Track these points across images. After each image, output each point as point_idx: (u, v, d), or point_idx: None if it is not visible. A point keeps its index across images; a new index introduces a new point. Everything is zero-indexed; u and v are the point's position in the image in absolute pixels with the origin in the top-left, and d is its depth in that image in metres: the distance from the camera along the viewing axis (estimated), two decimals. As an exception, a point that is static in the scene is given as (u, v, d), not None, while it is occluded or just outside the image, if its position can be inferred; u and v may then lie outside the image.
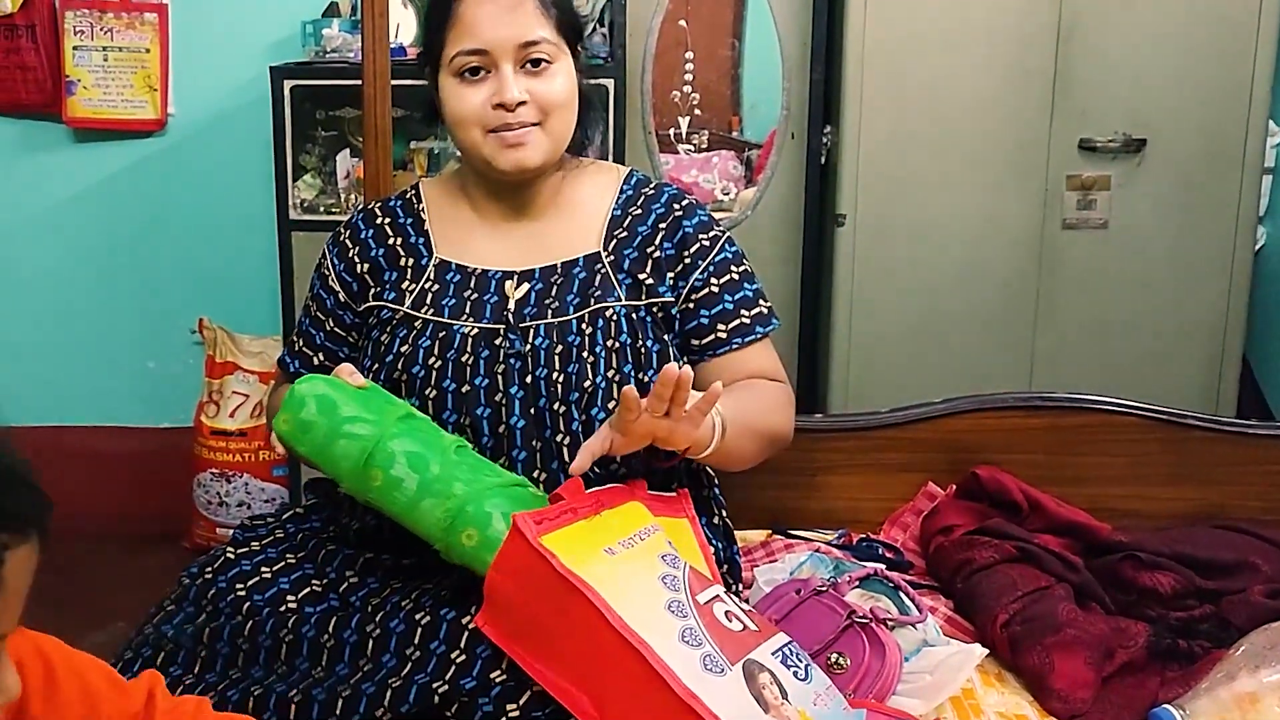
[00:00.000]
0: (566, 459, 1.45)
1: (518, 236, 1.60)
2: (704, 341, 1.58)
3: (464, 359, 1.51)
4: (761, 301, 1.61)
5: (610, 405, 1.49)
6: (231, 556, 1.52)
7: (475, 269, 1.58)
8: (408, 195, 1.67)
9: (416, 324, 1.54)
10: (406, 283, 1.58)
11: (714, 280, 1.58)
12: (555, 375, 1.49)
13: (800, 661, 1.29)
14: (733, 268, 1.60)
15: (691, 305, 1.58)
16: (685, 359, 1.58)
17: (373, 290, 1.60)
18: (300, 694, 1.31)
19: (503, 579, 1.28)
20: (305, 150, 3.05)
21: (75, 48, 3.16)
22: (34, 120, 3.23)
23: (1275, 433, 1.98)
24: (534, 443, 1.49)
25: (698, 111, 3.08)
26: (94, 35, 3.16)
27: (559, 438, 1.49)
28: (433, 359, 1.52)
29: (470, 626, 1.31)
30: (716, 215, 1.68)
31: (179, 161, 3.26)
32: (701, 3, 3.08)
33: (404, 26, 2.97)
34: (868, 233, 2.93)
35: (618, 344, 1.52)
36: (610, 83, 2.87)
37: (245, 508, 3.12)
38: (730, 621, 1.28)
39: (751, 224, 3.05)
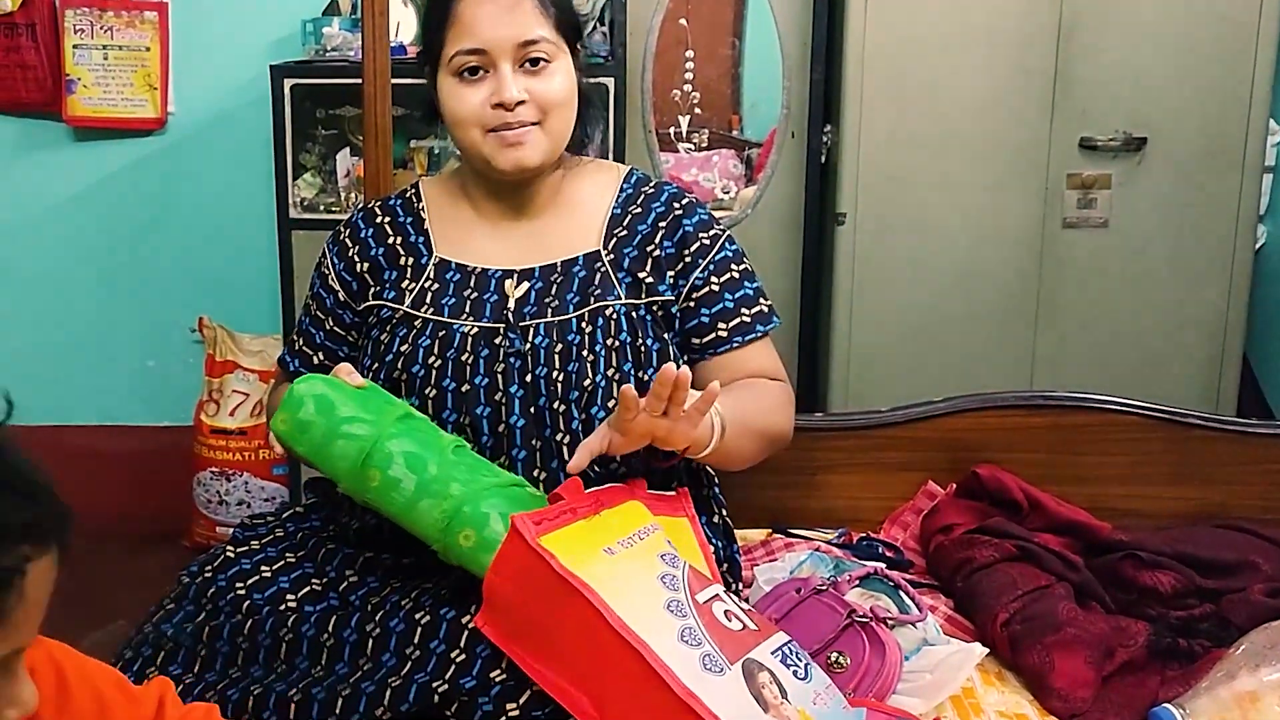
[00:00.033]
0: (566, 458, 1.45)
1: (517, 235, 1.60)
2: (704, 340, 1.58)
3: (464, 358, 1.51)
4: (761, 300, 1.61)
5: (610, 404, 1.49)
6: (231, 555, 1.52)
7: (475, 268, 1.58)
8: (407, 194, 1.67)
9: (416, 323, 1.54)
10: (406, 282, 1.58)
11: (714, 279, 1.58)
12: (555, 374, 1.49)
13: (800, 660, 1.29)
14: (733, 266, 1.60)
15: (692, 304, 1.58)
16: (685, 357, 1.58)
17: (372, 289, 1.60)
18: (300, 693, 1.31)
19: (502, 580, 1.28)
20: (305, 149, 3.05)
21: (75, 46, 3.16)
22: (34, 119, 3.23)
23: (1276, 432, 1.98)
24: (534, 441, 1.49)
25: (698, 110, 3.08)
26: (94, 34, 3.16)
27: (559, 436, 1.49)
28: (432, 358, 1.52)
29: (470, 626, 1.30)
30: (716, 214, 1.68)
31: (179, 160, 3.26)
32: (702, 1, 3.07)
33: (404, 25, 2.97)
34: (868, 232, 2.93)
35: (618, 342, 1.52)
36: (610, 81, 2.87)
37: (245, 506, 3.12)
38: (729, 621, 1.28)
39: (751, 223, 3.05)
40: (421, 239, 1.61)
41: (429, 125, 1.65)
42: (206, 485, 3.16)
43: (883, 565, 1.70)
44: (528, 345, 1.50)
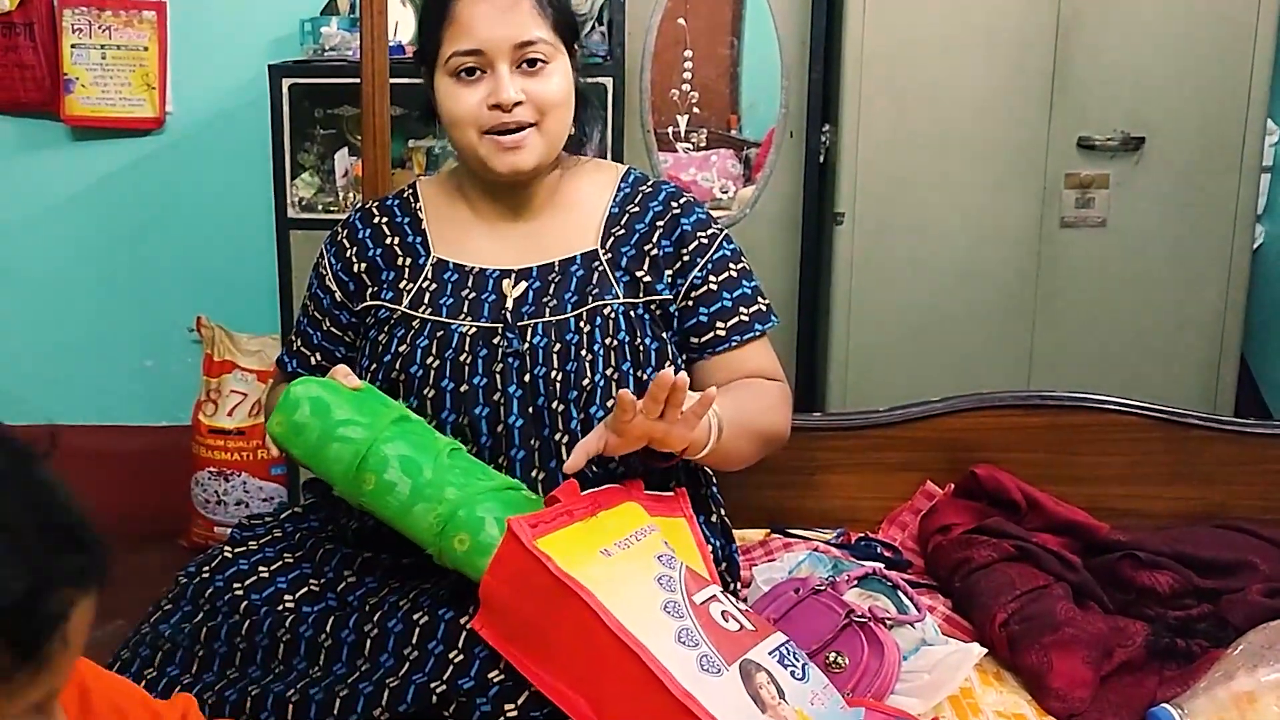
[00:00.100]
0: (565, 458, 1.45)
1: (515, 235, 1.60)
2: (703, 339, 1.58)
3: (462, 358, 1.51)
4: (760, 299, 1.61)
5: (609, 403, 1.49)
6: (229, 555, 1.52)
7: (473, 268, 1.58)
8: (405, 194, 1.66)
9: (414, 323, 1.54)
10: (404, 282, 1.58)
11: (712, 278, 1.58)
12: (554, 374, 1.49)
13: (797, 661, 1.29)
14: (731, 265, 1.60)
15: (690, 303, 1.58)
16: (684, 356, 1.58)
17: (370, 290, 1.59)
18: (298, 694, 1.31)
19: (498, 582, 1.28)
20: (303, 149, 3.05)
21: (73, 46, 3.16)
22: (32, 119, 3.23)
23: (1274, 432, 1.98)
24: (532, 441, 1.49)
25: (696, 110, 3.08)
26: (92, 33, 3.16)
27: (557, 436, 1.49)
28: (431, 358, 1.52)
29: (468, 627, 1.30)
30: (715, 214, 1.68)
31: (177, 160, 3.26)
32: (700, 1, 3.08)
33: (402, 24, 2.97)
34: (866, 232, 2.93)
35: (616, 342, 1.52)
36: (609, 81, 2.87)
37: (243, 506, 3.12)
38: (727, 621, 1.28)
39: (750, 223, 3.05)
40: (419, 239, 1.61)
41: (427, 125, 1.65)
42: (204, 485, 3.15)
43: (881, 565, 1.70)
44: (526, 345, 1.50)
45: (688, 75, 3.05)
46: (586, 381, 1.49)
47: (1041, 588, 1.64)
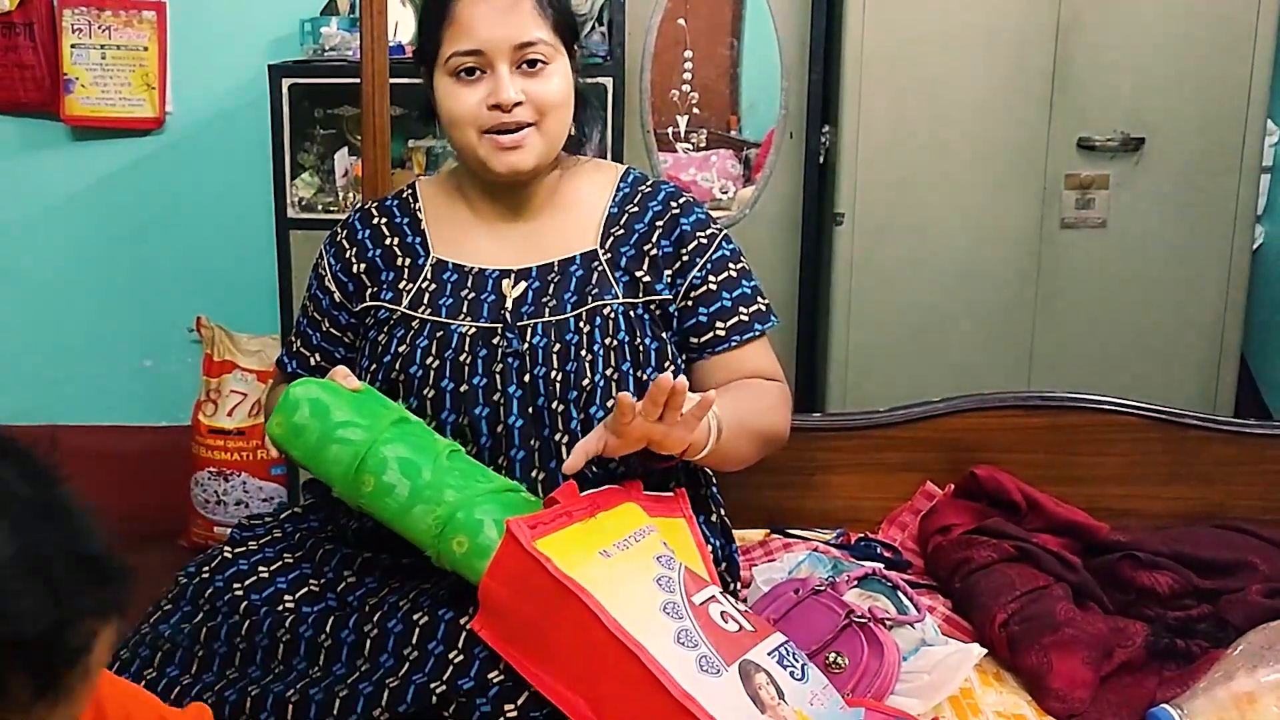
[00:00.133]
0: (565, 458, 1.45)
1: (515, 235, 1.60)
2: (702, 339, 1.58)
3: (462, 358, 1.51)
4: (759, 298, 1.61)
5: (609, 403, 1.49)
6: (229, 555, 1.52)
7: (472, 268, 1.58)
8: (404, 195, 1.66)
9: (414, 324, 1.54)
10: (404, 282, 1.58)
11: (712, 278, 1.58)
12: (553, 374, 1.49)
13: (796, 661, 1.29)
14: (730, 265, 1.60)
15: (690, 303, 1.58)
16: (684, 356, 1.58)
17: (369, 290, 1.59)
18: (298, 694, 1.31)
19: (498, 584, 1.28)
20: (303, 149, 3.05)
21: (73, 46, 3.16)
22: (32, 119, 3.23)
23: (1273, 432, 1.98)
24: (532, 442, 1.49)
25: (696, 110, 3.08)
26: (92, 33, 3.16)
27: (557, 436, 1.49)
28: (430, 359, 1.51)
29: (468, 627, 1.30)
30: (714, 214, 1.68)
31: (177, 160, 3.25)
32: (700, 2, 3.08)
33: (402, 25, 2.97)
34: (866, 232, 2.93)
35: (616, 342, 1.52)
36: (609, 81, 2.86)
37: (243, 507, 3.12)
38: (726, 622, 1.28)
39: (749, 223, 3.05)
40: (418, 240, 1.61)
41: (426, 125, 1.65)
42: (204, 485, 3.15)
43: (881, 566, 1.70)
44: (526, 345, 1.50)
45: (688, 76, 3.05)
46: (586, 381, 1.49)
47: (1041, 588, 1.64)
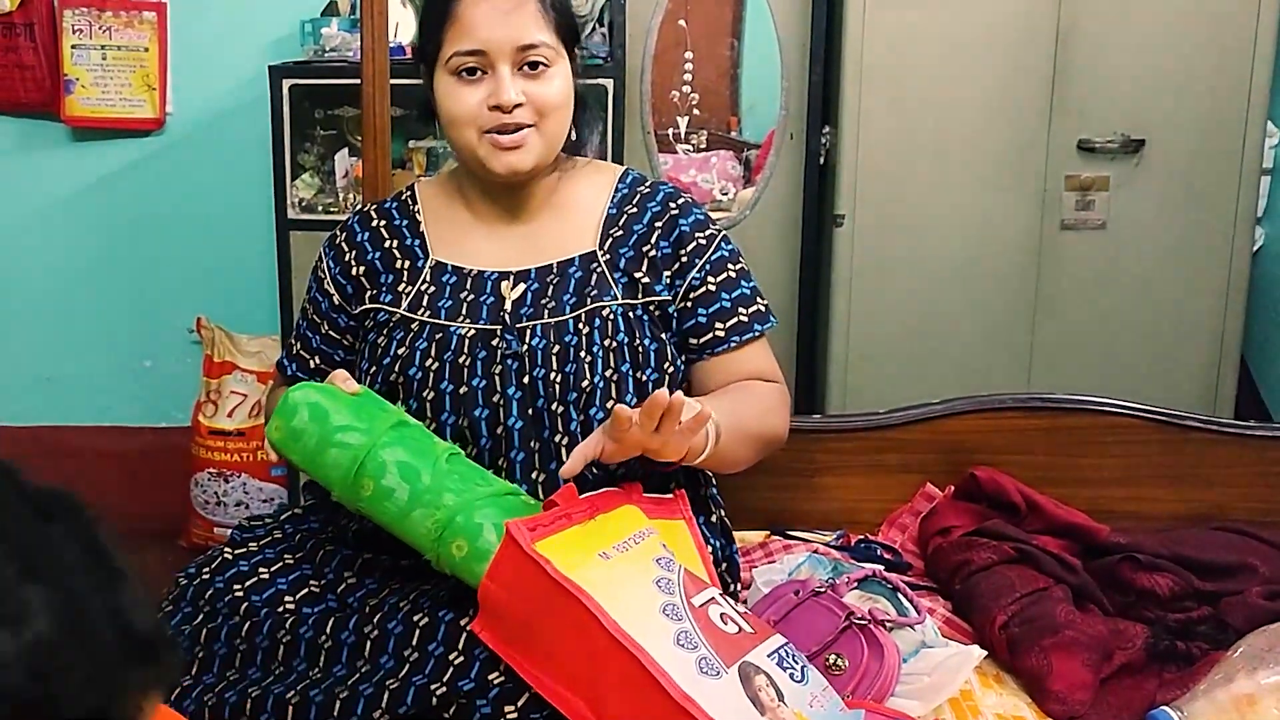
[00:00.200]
0: (565, 459, 1.45)
1: (514, 237, 1.60)
2: (702, 340, 1.58)
3: (461, 360, 1.51)
4: (758, 299, 1.61)
5: (609, 405, 1.49)
6: (229, 557, 1.52)
7: (471, 270, 1.58)
8: (403, 197, 1.66)
9: (413, 326, 1.54)
10: (403, 285, 1.58)
11: (711, 278, 1.58)
12: (553, 375, 1.49)
13: (796, 663, 1.29)
14: (729, 265, 1.60)
15: (689, 304, 1.58)
16: (683, 357, 1.58)
17: (369, 293, 1.59)
18: (298, 695, 1.31)
19: (497, 586, 1.28)
20: (304, 149, 3.05)
21: (74, 46, 3.16)
22: (32, 119, 3.23)
23: (1273, 434, 1.98)
24: (532, 444, 1.49)
25: (696, 111, 3.08)
26: (92, 34, 3.16)
27: (557, 438, 1.49)
28: (430, 361, 1.51)
29: (468, 629, 1.30)
30: (715, 215, 1.68)
31: (177, 160, 3.25)
32: (701, 3, 3.07)
33: (403, 26, 2.97)
34: (866, 233, 2.93)
35: (615, 343, 1.52)
36: (609, 83, 2.86)
37: (243, 508, 3.12)
38: (725, 624, 1.28)
39: (750, 224, 3.05)
40: (417, 242, 1.61)
41: (426, 125, 1.65)
42: (204, 486, 3.15)
43: (881, 567, 1.70)
44: (525, 347, 1.50)
45: (688, 77, 3.05)
46: (585, 383, 1.49)
47: (1041, 590, 1.64)
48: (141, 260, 3.30)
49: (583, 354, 1.50)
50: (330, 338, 1.63)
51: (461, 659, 1.29)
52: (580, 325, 1.51)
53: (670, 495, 1.53)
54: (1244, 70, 2.85)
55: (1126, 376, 2.91)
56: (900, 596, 1.57)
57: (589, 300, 1.53)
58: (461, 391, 1.50)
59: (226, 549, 1.54)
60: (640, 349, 1.52)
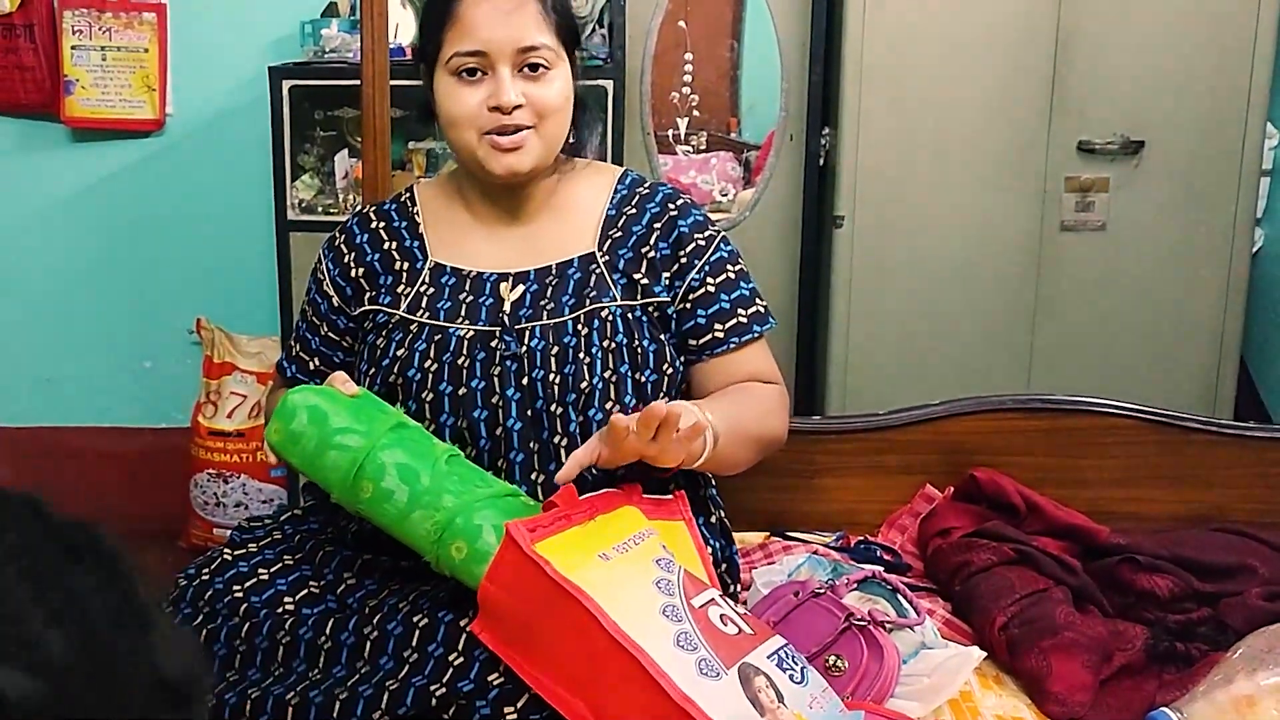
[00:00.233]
0: (564, 461, 1.45)
1: (513, 239, 1.60)
2: (701, 341, 1.58)
3: (460, 362, 1.51)
4: (758, 300, 1.61)
5: (608, 406, 1.49)
6: (229, 558, 1.52)
7: (470, 271, 1.58)
8: (402, 198, 1.66)
9: (412, 327, 1.54)
10: (402, 286, 1.58)
11: (710, 280, 1.58)
12: (552, 376, 1.49)
13: (796, 664, 1.29)
14: (729, 267, 1.60)
15: (688, 305, 1.58)
16: (682, 359, 1.58)
17: (368, 295, 1.59)
18: (297, 696, 1.31)
19: (497, 587, 1.28)
20: (304, 150, 3.05)
21: (74, 47, 3.16)
22: (32, 120, 3.23)
23: (1273, 435, 1.98)
24: (531, 445, 1.49)
25: (696, 113, 3.08)
26: (92, 35, 3.16)
27: (556, 439, 1.49)
28: (429, 362, 1.51)
29: (468, 630, 1.30)
30: (714, 216, 1.68)
31: (177, 161, 3.25)
32: (700, 4, 3.07)
33: (403, 27, 2.97)
34: (866, 234, 2.93)
35: (614, 344, 1.52)
36: (609, 84, 2.86)
37: (243, 508, 3.12)
38: (725, 625, 1.28)
39: (749, 225, 3.05)
40: (416, 243, 1.61)
41: (426, 125, 1.65)
42: (204, 487, 3.15)
43: (881, 568, 1.70)
44: (524, 348, 1.50)
45: (688, 78, 3.05)
46: (585, 384, 1.49)
47: (1041, 591, 1.64)
48: (141, 261, 3.30)
49: (582, 355, 1.50)
50: (330, 339, 1.63)
51: (461, 660, 1.29)
52: (579, 326, 1.51)
53: (670, 496, 1.53)
54: (1244, 71, 2.85)
55: (1126, 378, 2.91)
56: (900, 598, 1.57)
57: (588, 301, 1.53)
58: (460, 393, 1.50)
59: (226, 550, 1.54)
60: (639, 350, 1.53)
